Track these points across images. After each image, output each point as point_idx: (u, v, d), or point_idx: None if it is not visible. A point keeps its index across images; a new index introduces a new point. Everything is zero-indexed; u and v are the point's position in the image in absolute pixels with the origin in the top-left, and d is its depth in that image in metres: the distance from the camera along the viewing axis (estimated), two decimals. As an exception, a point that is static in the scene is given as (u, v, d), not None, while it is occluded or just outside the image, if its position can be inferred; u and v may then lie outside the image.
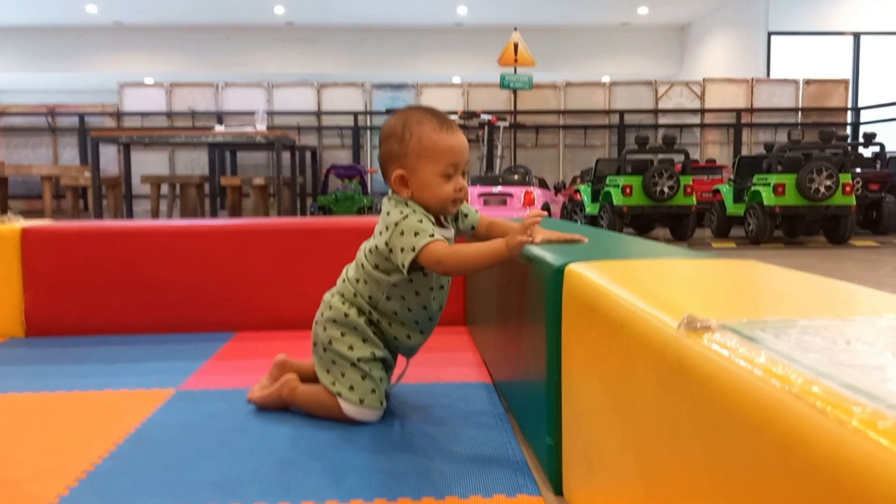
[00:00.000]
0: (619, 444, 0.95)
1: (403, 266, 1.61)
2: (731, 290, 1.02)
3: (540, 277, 1.41)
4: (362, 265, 1.72)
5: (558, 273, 1.30)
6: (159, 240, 2.78)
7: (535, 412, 1.46)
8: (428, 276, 1.70)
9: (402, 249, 1.61)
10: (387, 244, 1.64)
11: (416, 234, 1.61)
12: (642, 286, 1.02)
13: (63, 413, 1.81)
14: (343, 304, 1.73)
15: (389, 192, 1.72)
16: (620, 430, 0.94)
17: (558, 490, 1.34)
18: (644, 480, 0.84)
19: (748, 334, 0.68)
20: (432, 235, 1.62)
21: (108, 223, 2.93)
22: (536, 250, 1.56)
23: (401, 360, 1.85)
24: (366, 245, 1.76)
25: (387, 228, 1.64)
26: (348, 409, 1.69)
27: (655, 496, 0.81)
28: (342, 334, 1.72)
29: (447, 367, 2.24)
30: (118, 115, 11.43)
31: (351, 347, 1.70)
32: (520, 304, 1.66)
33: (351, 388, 1.69)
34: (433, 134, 1.65)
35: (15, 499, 1.30)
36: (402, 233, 1.61)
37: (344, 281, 1.77)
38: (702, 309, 0.82)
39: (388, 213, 1.66)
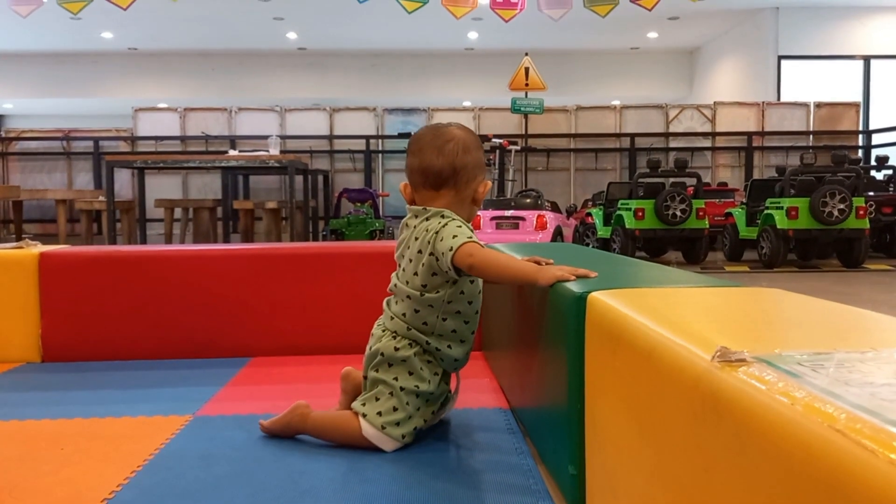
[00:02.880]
0: (647, 475, 0.94)
1: (449, 266, 1.63)
2: (759, 320, 1.02)
3: (561, 305, 1.40)
4: (408, 296, 1.71)
5: (580, 301, 1.30)
6: (176, 265, 2.79)
7: (557, 440, 1.45)
8: (474, 281, 1.73)
9: (443, 253, 1.64)
10: (432, 254, 1.66)
11: (454, 236, 1.66)
12: (668, 315, 1.01)
13: (80, 440, 1.81)
14: (394, 338, 1.72)
15: (418, 211, 1.74)
16: (649, 461, 0.93)
17: (582, 521, 1.33)
18: (676, 514, 0.83)
19: (785, 368, 0.67)
20: (471, 237, 1.67)
21: (125, 248, 2.94)
22: (556, 277, 1.56)
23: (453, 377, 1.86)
24: (402, 276, 1.75)
25: (429, 243, 1.67)
26: (368, 430, 1.67)
27: (688, 531, 0.79)
28: (389, 365, 1.71)
29: (464, 392, 2.22)
30: (132, 139, 11.52)
31: (396, 378, 1.70)
32: (539, 331, 1.65)
33: (379, 413, 1.68)
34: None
35: (34, 528, 1.30)
36: (441, 238, 1.66)
37: (392, 318, 1.75)
38: (731, 339, 0.81)
39: (426, 230, 1.69)
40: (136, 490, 1.48)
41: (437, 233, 1.66)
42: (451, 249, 1.62)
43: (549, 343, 1.52)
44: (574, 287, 1.36)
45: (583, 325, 1.29)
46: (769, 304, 1.12)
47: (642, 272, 1.71)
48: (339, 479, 1.54)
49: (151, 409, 2.06)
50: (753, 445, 0.64)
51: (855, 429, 0.52)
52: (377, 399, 1.69)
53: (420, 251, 1.69)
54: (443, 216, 1.71)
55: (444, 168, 1.72)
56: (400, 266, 1.78)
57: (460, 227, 1.68)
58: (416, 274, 1.70)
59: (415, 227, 1.74)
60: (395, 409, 1.68)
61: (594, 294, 1.27)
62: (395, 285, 1.76)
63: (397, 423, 1.68)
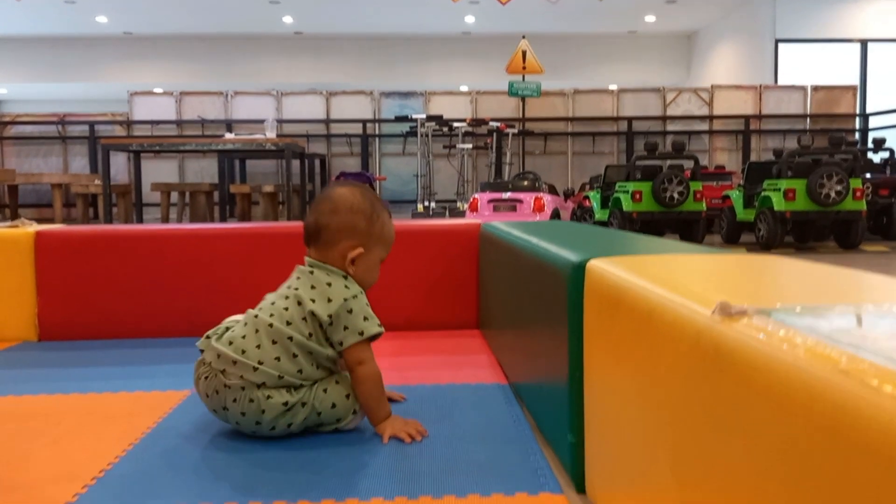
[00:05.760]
0: (648, 437, 0.93)
1: (342, 344, 1.58)
2: (758, 280, 1.01)
3: (558, 274, 1.40)
4: (290, 337, 1.57)
5: (579, 269, 1.29)
6: (172, 244, 2.78)
7: (556, 410, 1.44)
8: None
9: (346, 328, 1.58)
10: (330, 316, 1.58)
11: (365, 318, 1.61)
12: (667, 278, 1.01)
13: (77, 415, 1.80)
14: (277, 395, 1.56)
15: (320, 264, 1.65)
16: (648, 423, 0.93)
17: (581, 488, 1.33)
18: (675, 471, 0.82)
19: (785, 318, 0.66)
20: (380, 327, 1.63)
21: (121, 227, 2.93)
22: (551, 247, 1.55)
23: None
24: (280, 314, 1.60)
25: (329, 300, 1.58)
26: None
27: (688, 484, 0.79)
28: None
29: (462, 369, 2.23)
30: (128, 123, 11.47)
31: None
32: (537, 303, 1.65)
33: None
34: (389, 223, 1.72)
35: (33, 500, 1.29)
36: (350, 311, 1.59)
37: (255, 369, 1.55)
38: (731, 297, 0.80)
39: (329, 284, 1.61)
40: (132, 463, 1.48)
41: (346, 300, 1.59)
42: (360, 334, 1.58)
43: (548, 314, 1.51)
44: (572, 256, 1.35)
45: (581, 293, 1.28)
46: (768, 267, 1.12)
47: (639, 243, 1.71)
48: (337, 452, 1.53)
49: (149, 384, 2.05)
50: (755, 395, 0.63)
51: (859, 369, 0.51)
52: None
53: (312, 300, 1.59)
54: (346, 279, 1.63)
55: (310, 225, 1.68)
56: (269, 299, 1.67)
57: (368, 305, 1.63)
58: (305, 320, 1.58)
59: (299, 269, 1.68)
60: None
61: (593, 262, 1.27)
62: (266, 318, 1.61)
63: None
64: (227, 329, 1.68)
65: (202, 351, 1.67)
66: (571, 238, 1.74)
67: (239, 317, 1.71)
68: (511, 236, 2.07)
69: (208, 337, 1.67)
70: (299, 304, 1.59)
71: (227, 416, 1.59)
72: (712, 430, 0.73)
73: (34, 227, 2.80)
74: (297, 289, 1.62)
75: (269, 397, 1.55)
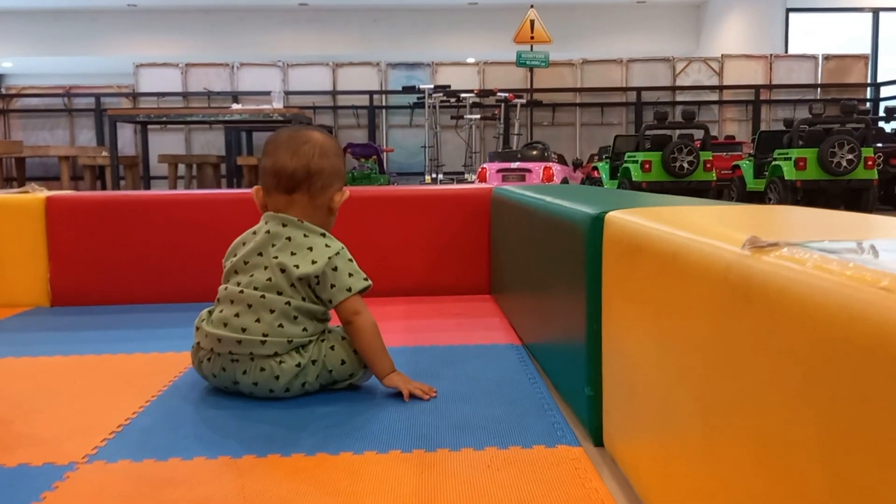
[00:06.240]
0: (670, 380, 0.93)
1: (331, 302, 1.58)
2: (782, 223, 1.00)
3: (575, 229, 1.39)
4: (287, 303, 1.55)
5: (598, 220, 1.28)
6: (182, 209, 2.77)
7: (572, 365, 1.44)
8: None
9: (333, 286, 1.57)
10: (317, 277, 1.56)
11: (350, 274, 1.59)
12: (688, 223, 0.99)
13: (93, 374, 1.81)
14: (289, 359, 1.56)
15: (294, 221, 1.61)
16: (671, 367, 0.92)
17: (598, 441, 1.33)
18: (702, 411, 0.82)
19: (818, 248, 0.65)
20: (366, 280, 1.61)
21: (131, 193, 2.93)
22: (566, 203, 1.54)
23: None
24: (265, 285, 1.56)
25: (313, 262, 1.56)
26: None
27: (715, 426, 0.79)
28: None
29: (475, 330, 2.23)
30: (134, 95, 11.43)
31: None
32: (552, 260, 1.64)
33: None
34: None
35: (52, 454, 1.30)
36: (335, 268, 1.58)
37: (263, 342, 1.53)
38: (758, 234, 0.79)
39: (310, 249, 1.58)
40: (150, 418, 1.49)
41: (330, 258, 1.57)
42: (349, 290, 1.56)
43: (564, 269, 1.50)
44: (589, 209, 1.34)
45: (599, 245, 1.28)
46: (789, 213, 1.10)
47: (653, 199, 1.69)
48: (354, 407, 1.54)
49: (163, 346, 2.06)
50: (790, 324, 0.62)
51: (900, 287, 0.50)
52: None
53: (296, 265, 1.56)
54: (325, 236, 1.61)
55: (298, 170, 1.60)
56: (241, 273, 1.61)
57: (351, 261, 1.61)
58: (296, 284, 1.56)
59: (271, 232, 1.61)
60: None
61: (611, 213, 1.26)
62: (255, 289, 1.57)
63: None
64: (210, 313, 1.65)
65: (198, 343, 1.64)
66: (584, 196, 1.72)
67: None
68: (525, 197, 2.06)
69: (198, 329, 1.64)
70: (283, 271, 1.56)
71: (238, 388, 1.59)
72: (742, 365, 0.72)
73: (44, 193, 2.79)
74: (275, 257, 1.58)
75: (281, 362, 1.55)
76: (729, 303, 0.74)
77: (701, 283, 0.81)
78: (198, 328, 1.65)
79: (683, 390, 0.88)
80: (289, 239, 1.59)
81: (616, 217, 1.22)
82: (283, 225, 1.61)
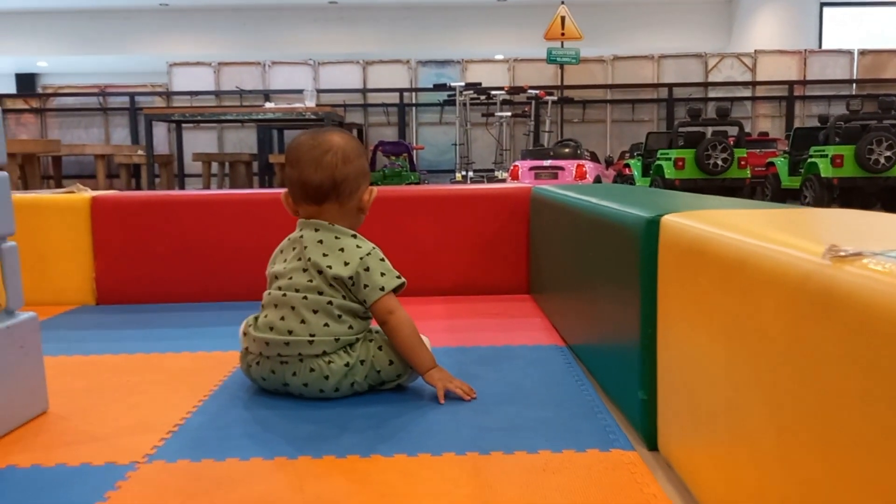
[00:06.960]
0: (738, 389, 0.92)
1: (366, 303, 1.59)
2: (851, 228, 0.99)
3: (628, 232, 1.38)
4: (329, 302, 1.57)
5: (653, 224, 1.28)
6: (224, 209, 2.80)
7: (624, 368, 1.44)
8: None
9: (367, 286, 1.58)
10: (350, 277, 1.58)
11: (382, 273, 1.61)
12: (753, 229, 0.99)
13: (145, 372, 1.84)
14: (338, 358, 1.58)
15: (325, 225, 1.63)
16: (740, 375, 0.92)
17: (653, 445, 1.32)
18: (774, 422, 0.81)
19: (903, 259, 0.65)
20: (399, 278, 1.63)
21: (175, 193, 2.97)
22: (616, 206, 1.54)
23: None
24: (307, 287, 1.58)
25: (346, 264, 1.58)
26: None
27: (788, 434, 0.78)
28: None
29: (517, 331, 2.23)
30: (168, 94, 11.57)
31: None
32: (600, 262, 1.64)
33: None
34: None
35: (112, 452, 1.32)
36: (367, 269, 1.59)
37: (311, 342, 1.56)
38: (826, 244, 0.78)
39: (341, 250, 1.60)
40: (205, 417, 1.51)
41: (361, 258, 1.59)
42: (382, 290, 1.58)
43: (615, 272, 1.50)
44: (642, 212, 1.34)
45: (655, 249, 1.27)
46: (854, 218, 1.09)
47: (701, 201, 1.68)
48: (407, 409, 1.54)
49: (210, 345, 2.08)
50: (874, 335, 0.62)
51: None
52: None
53: (329, 266, 1.58)
54: (356, 237, 1.64)
55: (324, 182, 1.61)
56: (282, 277, 1.63)
57: (383, 260, 1.62)
58: (333, 285, 1.58)
59: (305, 237, 1.63)
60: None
61: (667, 217, 1.25)
62: (296, 293, 1.59)
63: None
64: (256, 319, 1.67)
65: (246, 347, 1.66)
66: (632, 198, 1.72)
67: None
68: (569, 198, 2.06)
69: (245, 334, 1.67)
70: (320, 272, 1.59)
71: (288, 390, 1.61)
72: (821, 375, 0.71)
73: (90, 193, 2.84)
74: (309, 258, 1.60)
75: (329, 362, 1.57)
76: (807, 311, 0.73)
77: (775, 291, 0.80)
78: (245, 333, 1.67)
79: (754, 396, 0.88)
80: (321, 242, 1.62)
81: (673, 221, 1.21)
82: (316, 230, 1.64)
